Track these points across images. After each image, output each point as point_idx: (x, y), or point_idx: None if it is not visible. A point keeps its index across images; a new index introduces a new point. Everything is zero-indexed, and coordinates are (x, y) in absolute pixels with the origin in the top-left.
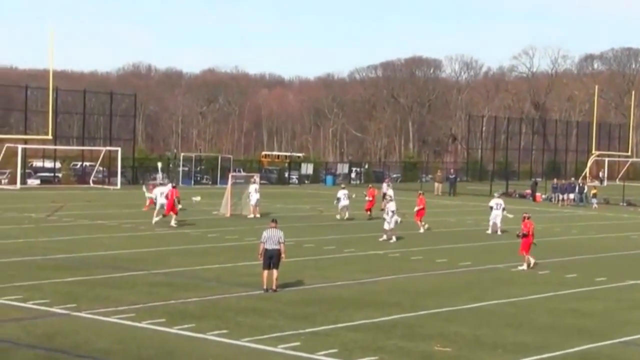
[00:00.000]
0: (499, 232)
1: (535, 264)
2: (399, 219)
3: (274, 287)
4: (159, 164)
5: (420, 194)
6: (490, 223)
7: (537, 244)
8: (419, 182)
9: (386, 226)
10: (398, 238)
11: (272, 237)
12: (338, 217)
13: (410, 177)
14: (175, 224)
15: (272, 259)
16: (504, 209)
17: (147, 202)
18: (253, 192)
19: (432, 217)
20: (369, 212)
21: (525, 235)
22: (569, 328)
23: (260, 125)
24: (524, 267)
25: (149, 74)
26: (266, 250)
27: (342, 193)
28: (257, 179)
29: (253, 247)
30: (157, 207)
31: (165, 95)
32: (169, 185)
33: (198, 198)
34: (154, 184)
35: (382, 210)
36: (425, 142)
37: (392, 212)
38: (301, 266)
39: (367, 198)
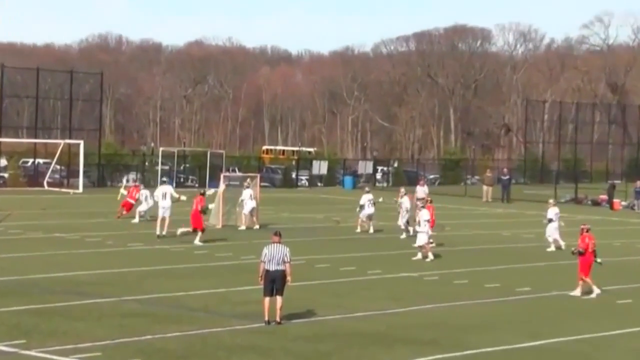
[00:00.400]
0: (563, 248)
1: (598, 292)
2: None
3: (277, 319)
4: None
5: (428, 201)
6: (550, 239)
7: (602, 264)
8: (463, 185)
9: (420, 241)
10: (436, 256)
11: (275, 255)
12: (359, 229)
13: (452, 178)
14: (201, 242)
15: (275, 283)
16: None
17: (121, 207)
18: (247, 199)
19: (479, 229)
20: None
21: (581, 253)
22: None
23: (261, 113)
24: (577, 292)
25: (119, 47)
26: (268, 271)
27: (365, 199)
28: (253, 183)
29: (251, 267)
30: (160, 214)
31: (139, 74)
32: (213, 190)
33: (184, 198)
34: (136, 185)
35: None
36: (470, 134)
37: (426, 221)
38: (312, 292)
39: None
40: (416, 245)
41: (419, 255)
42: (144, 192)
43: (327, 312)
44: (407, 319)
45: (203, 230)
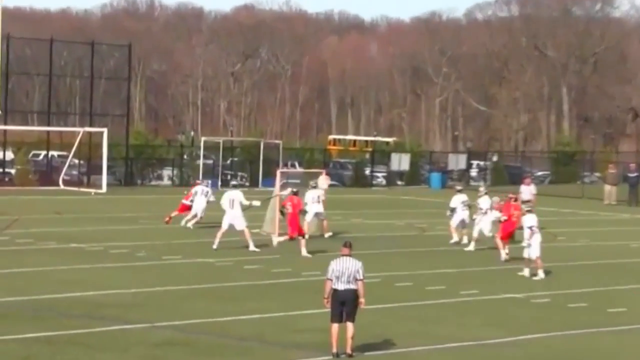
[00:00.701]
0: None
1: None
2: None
3: (348, 350)
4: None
5: (510, 199)
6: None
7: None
8: (580, 184)
9: (527, 254)
10: (546, 272)
11: (344, 271)
12: (454, 239)
13: (565, 175)
14: (307, 253)
15: (345, 306)
16: None
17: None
18: (311, 202)
19: (600, 239)
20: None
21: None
22: None
23: (327, 94)
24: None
25: (150, 13)
26: (336, 291)
27: (458, 200)
28: (323, 182)
29: (316, 285)
30: (224, 226)
31: (176, 46)
32: (288, 190)
33: (257, 203)
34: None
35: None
36: (588, 121)
37: (531, 227)
38: (392, 317)
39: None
40: (526, 257)
41: (526, 272)
42: (202, 188)
43: (410, 342)
44: (512, 352)
45: (303, 236)
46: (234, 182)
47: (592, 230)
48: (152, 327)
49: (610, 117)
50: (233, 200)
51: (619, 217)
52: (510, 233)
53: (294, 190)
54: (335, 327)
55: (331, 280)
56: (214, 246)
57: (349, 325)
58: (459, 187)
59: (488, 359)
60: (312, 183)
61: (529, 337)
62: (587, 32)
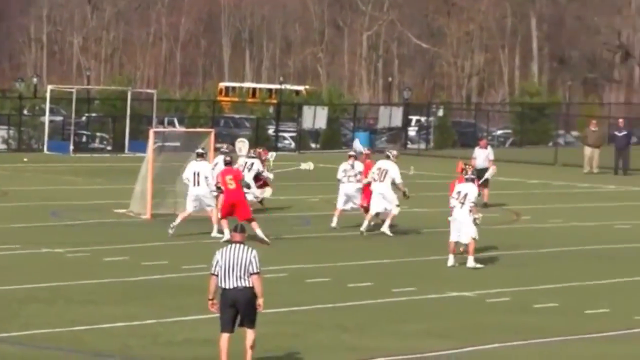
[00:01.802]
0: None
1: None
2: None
3: None
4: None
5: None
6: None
7: None
8: (552, 147)
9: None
10: (486, 262)
11: (233, 264)
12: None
13: (533, 135)
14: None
15: (237, 308)
16: None
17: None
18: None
19: (578, 218)
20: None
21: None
22: None
23: (217, 28)
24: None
25: None
26: (224, 291)
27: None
28: (206, 142)
29: (198, 283)
30: (189, 207)
31: None
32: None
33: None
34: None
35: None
36: (564, 63)
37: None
38: (302, 324)
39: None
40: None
41: (451, 260)
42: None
43: (330, 357)
44: None
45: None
46: (92, 145)
47: (566, 207)
48: None
49: (594, 58)
50: (197, 173)
51: (601, 190)
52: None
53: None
54: (224, 337)
55: (216, 275)
56: (170, 231)
57: (248, 333)
58: (394, 152)
59: None
60: (223, 149)
61: (483, 349)
62: None
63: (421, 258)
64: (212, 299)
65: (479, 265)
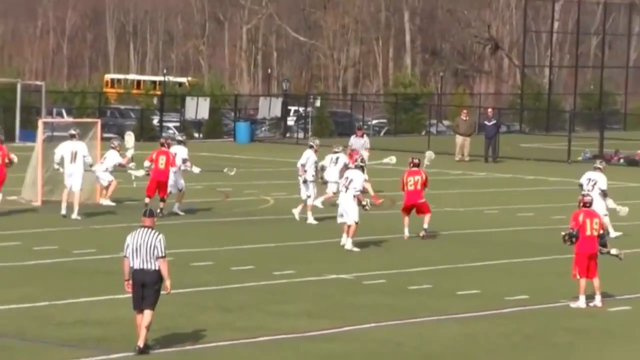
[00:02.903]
0: (612, 234)
1: (603, 298)
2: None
3: (140, 343)
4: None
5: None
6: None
7: (622, 258)
8: (425, 135)
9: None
10: (361, 246)
11: (141, 247)
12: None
13: (407, 124)
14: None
15: (145, 289)
16: (604, 194)
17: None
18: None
19: (449, 204)
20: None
21: (572, 239)
22: None
23: (102, 21)
24: (581, 302)
25: None
26: (134, 272)
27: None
28: (93, 133)
29: (88, 266)
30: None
31: None
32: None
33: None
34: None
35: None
36: (436, 55)
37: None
38: (188, 306)
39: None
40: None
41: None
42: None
43: (211, 337)
44: (336, 346)
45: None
46: None
47: (439, 193)
48: None
49: (464, 50)
50: (75, 152)
51: (472, 177)
52: None
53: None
54: (139, 316)
55: (127, 257)
56: (62, 212)
57: (146, 313)
58: (315, 142)
59: (306, 356)
60: (112, 143)
61: (358, 328)
62: None
63: (301, 242)
64: (127, 280)
65: (355, 249)
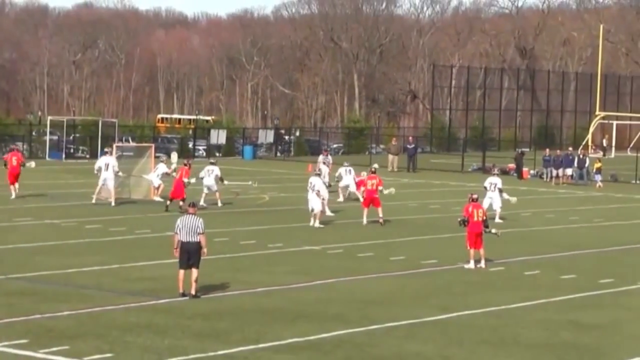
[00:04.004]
0: (497, 219)
1: (486, 262)
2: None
3: (192, 291)
4: (174, 155)
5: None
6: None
7: (499, 235)
8: (368, 155)
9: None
10: (332, 224)
11: (188, 227)
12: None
13: (356, 147)
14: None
15: (190, 255)
16: (501, 191)
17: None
18: (156, 175)
19: (384, 200)
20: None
21: (464, 223)
22: (564, 345)
23: (156, 79)
24: (471, 264)
25: (1, 9)
26: (182, 244)
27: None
28: (147, 154)
29: (146, 242)
30: (100, 183)
31: (24, 38)
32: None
33: (32, 164)
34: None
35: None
36: (375, 102)
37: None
38: (211, 267)
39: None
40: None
41: (311, 222)
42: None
43: (227, 288)
44: (310, 294)
45: (184, 200)
46: (77, 155)
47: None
48: (6, 279)
49: (393, 98)
50: (108, 164)
51: (400, 182)
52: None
53: (185, 162)
54: (181, 272)
55: (177, 234)
56: (94, 201)
57: (194, 271)
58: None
59: (291, 300)
60: (161, 158)
61: (325, 282)
62: (375, 26)
63: (286, 225)
64: (176, 248)
65: (321, 226)
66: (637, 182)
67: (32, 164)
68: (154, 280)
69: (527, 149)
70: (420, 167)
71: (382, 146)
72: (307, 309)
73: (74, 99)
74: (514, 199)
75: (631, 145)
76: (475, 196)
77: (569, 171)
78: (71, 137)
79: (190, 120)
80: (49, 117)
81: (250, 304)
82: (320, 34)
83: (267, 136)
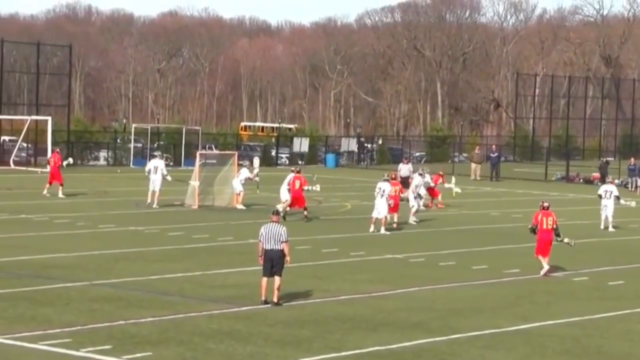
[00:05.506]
0: (610, 228)
1: (548, 271)
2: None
3: (275, 299)
4: (256, 160)
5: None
6: (602, 216)
7: (572, 245)
8: (450, 163)
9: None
10: (414, 231)
11: (272, 234)
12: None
13: (439, 156)
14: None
15: (272, 262)
16: (618, 198)
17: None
18: (239, 181)
19: (467, 208)
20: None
21: (534, 231)
22: None
23: (239, 87)
24: (545, 268)
25: (88, 18)
26: (266, 251)
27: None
28: (230, 162)
29: (229, 249)
30: (150, 188)
31: (110, 46)
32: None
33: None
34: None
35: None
36: (458, 110)
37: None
38: (293, 275)
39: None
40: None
41: (371, 228)
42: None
43: (308, 296)
44: (392, 302)
45: (306, 208)
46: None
47: (460, 202)
48: (90, 285)
49: (476, 107)
50: (157, 167)
51: (483, 191)
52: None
53: (296, 169)
54: (264, 280)
55: (261, 242)
56: (148, 201)
57: (276, 279)
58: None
59: (372, 308)
60: (244, 164)
61: (407, 290)
62: (458, 35)
63: (367, 234)
64: (260, 256)
65: (387, 233)
66: None
67: (69, 161)
68: (237, 288)
69: (612, 158)
70: (503, 175)
71: (464, 154)
72: (389, 317)
73: (158, 106)
74: (633, 203)
75: None
76: (546, 204)
77: None
78: (155, 145)
79: (273, 128)
80: (134, 125)
81: (332, 311)
82: (404, 42)
83: (349, 144)
